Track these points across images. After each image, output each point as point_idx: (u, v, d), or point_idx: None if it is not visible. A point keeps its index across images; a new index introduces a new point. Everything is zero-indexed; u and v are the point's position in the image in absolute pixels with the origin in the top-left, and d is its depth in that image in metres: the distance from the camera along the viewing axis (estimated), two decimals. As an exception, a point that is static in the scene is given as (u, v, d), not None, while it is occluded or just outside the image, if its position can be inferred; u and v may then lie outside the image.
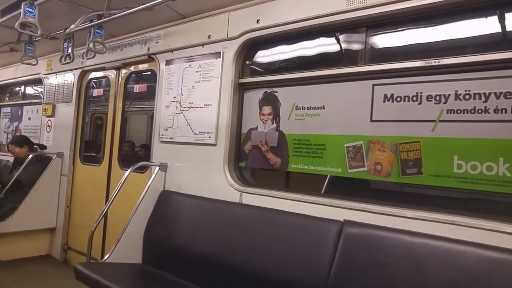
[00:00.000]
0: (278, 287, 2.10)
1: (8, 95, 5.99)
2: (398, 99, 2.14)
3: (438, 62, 1.99)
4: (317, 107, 2.45)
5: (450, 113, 1.96)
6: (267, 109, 2.69)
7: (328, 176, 3.03)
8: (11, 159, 4.52)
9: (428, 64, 2.02)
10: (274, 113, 2.65)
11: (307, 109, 2.49)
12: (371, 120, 2.23)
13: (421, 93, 2.07)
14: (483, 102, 1.88)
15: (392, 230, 1.92)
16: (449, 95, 1.97)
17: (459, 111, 1.94)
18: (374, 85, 2.23)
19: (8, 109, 5.76)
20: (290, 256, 2.11)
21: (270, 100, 2.68)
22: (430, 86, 2.04)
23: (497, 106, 1.83)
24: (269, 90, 2.69)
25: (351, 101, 2.31)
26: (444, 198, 2.17)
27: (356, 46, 2.43)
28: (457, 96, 1.95)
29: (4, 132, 5.73)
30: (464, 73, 1.94)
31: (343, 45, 2.50)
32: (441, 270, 1.70)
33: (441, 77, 2.01)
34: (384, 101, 2.19)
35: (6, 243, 3.83)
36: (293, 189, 2.49)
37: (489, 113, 1.85)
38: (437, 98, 2.01)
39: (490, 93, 1.86)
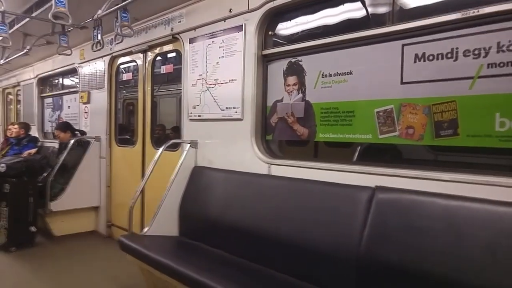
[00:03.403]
0: (309, 254, 2.11)
1: (48, 86, 6.36)
2: (431, 57, 2.01)
3: (478, 12, 1.83)
4: (344, 73, 2.36)
5: (491, 67, 1.81)
6: (292, 79, 2.64)
7: (358, 149, 2.97)
8: (57, 145, 4.85)
9: (466, 16, 1.86)
10: (300, 83, 2.59)
11: (334, 76, 2.41)
12: (402, 83, 2.12)
13: (457, 48, 1.92)
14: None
15: (426, 193, 1.85)
16: (489, 47, 1.82)
17: (502, 65, 1.79)
18: (403, 45, 2.11)
19: (50, 100, 6.13)
20: (321, 224, 2.11)
21: (295, 70, 2.62)
22: (468, 40, 1.88)
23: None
24: (293, 60, 2.62)
25: (380, 64, 2.20)
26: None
27: (383, 5, 2.29)
28: (499, 48, 1.79)
29: (48, 121, 6.13)
30: (508, 22, 1.76)
31: (369, 5, 2.37)
32: (481, 233, 1.62)
33: (481, 29, 1.85)
34: (415, 61, 2.07)
35: (58, 221, 4.22)
36: (322, 158, 2.46)
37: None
38: (476, 52, 1.86)
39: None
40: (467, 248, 1.63)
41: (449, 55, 1.95)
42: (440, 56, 1.98)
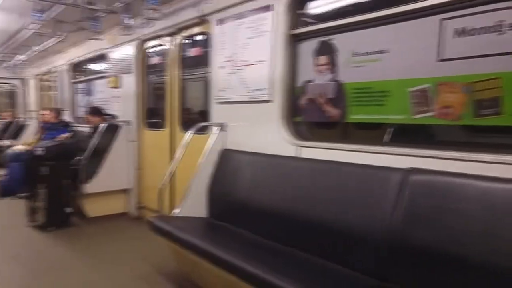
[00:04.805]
0: (339, 236, 2.09)
1: (80, 72, 6.56)
2: (472, 32, 1.89)
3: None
4: (378, 51, 2.27)
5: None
6: (322, 59, 2.57)
7: (391, 131, 2.86)
8: (88, 130, 5.02)
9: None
10: (331, 63, 2.53)
11: (367, 55, 2.33)
12: (439, 60, 2.01)
13: (503, 21, 1.80)
14: None
15: (463, 175, 1.77)
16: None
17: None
18: (442, 19, 2.00)
19: (82, 85, 6.33)
20: (351, 206, 2.08)
21: (326, 49, 2.55)
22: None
23: None
24: (324, 39, 2.55)
25: (416, 41, 2.10)
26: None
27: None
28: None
29: (81, 106, 6.35)
30: None
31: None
32: (524, 216, 1.54)
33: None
34: (454, 37, 1.96)
35: (92, 202, 4.39)
36: (353, 140, 2.41)
37: None
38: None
39: None
40: (505, 231, 1.56)
41: (493, 29, 1.83)
42: (483, 30, 1.86)
